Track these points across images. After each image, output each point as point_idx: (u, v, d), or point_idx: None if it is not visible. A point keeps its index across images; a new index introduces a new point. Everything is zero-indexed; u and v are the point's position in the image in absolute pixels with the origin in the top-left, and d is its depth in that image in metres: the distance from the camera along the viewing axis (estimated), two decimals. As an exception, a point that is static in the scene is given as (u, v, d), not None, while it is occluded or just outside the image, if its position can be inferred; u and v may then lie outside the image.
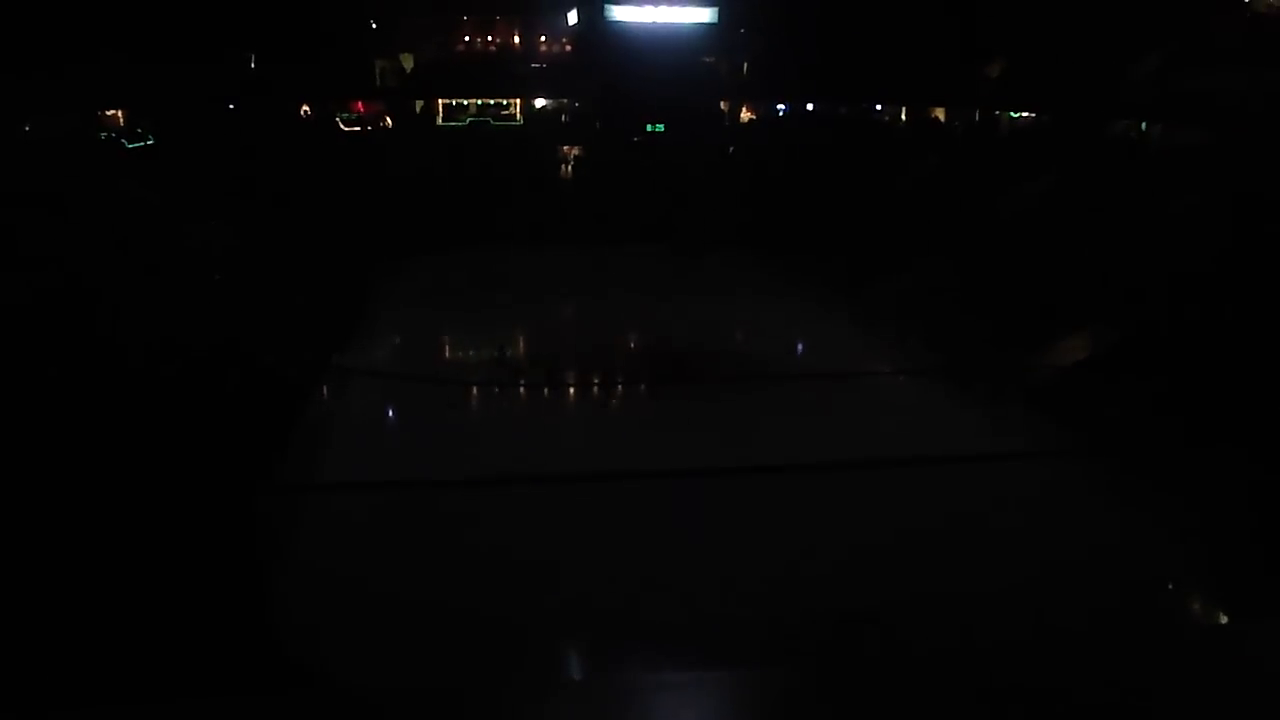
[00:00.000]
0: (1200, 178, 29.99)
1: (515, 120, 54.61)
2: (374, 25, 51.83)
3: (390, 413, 26.30)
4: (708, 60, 53.81)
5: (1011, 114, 46.99)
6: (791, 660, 12.50)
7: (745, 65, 55.79)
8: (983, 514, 18.90)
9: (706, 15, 51.52)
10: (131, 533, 14.32)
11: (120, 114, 40.14)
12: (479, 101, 54.22)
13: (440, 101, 53.56)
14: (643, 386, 28.00)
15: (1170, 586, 17.02)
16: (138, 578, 13.46)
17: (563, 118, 55.29)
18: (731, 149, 48.97)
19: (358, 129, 51.67)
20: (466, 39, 56.51)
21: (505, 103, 54.59)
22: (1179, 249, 26.36)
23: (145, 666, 11.38)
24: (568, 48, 56.69)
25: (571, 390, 28.37)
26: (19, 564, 12.61)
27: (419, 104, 53.17)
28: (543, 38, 56.94)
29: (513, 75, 54.15)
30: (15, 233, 21.95)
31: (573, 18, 54.72)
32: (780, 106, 55.90)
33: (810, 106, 54.88)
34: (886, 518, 18.63)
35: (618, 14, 51.14)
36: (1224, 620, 16.18)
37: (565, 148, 53.54)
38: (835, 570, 16.55)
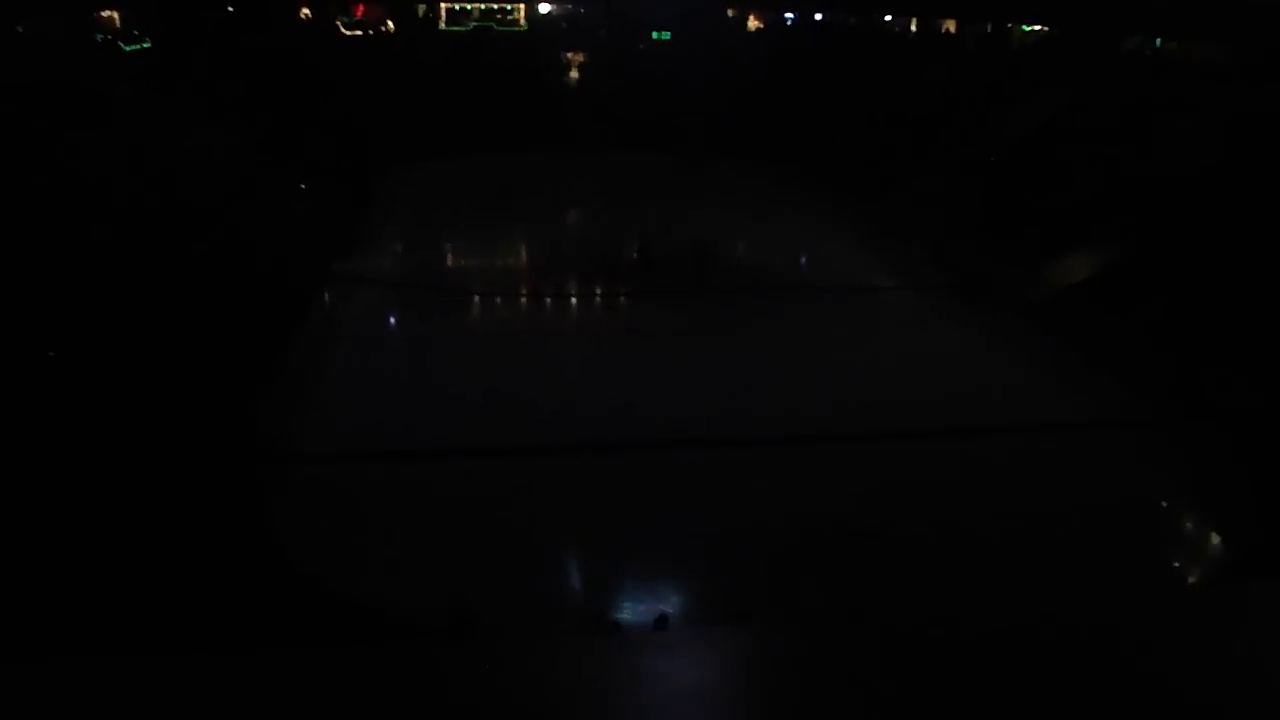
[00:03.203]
0: (1215, 94, 29.46)
1: (519, 26, 53.47)
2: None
3: (391, 320, 26.57)
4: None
5: (1024, 27, 45.88)
6: (795, 618, 12.35)
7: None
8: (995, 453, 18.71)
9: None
10: (128, 437, 14.57)
11: (115, 15, 39.31)
12: (483, 6, 53.04)
13: (443, 5, 52.37)
14: (641, 300, 28.09)
15: (1168, 544, 16.52)
16: (135, 485, 13.74)
17: (565, 24, 54.10)
18: (743, 62, 47.71)
19: (359, 33, 50.64)
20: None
21: (509, 7, 53.40)
22: (1191, 166, 25.99)
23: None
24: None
25: (558, 301, 28.61)
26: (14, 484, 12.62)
27: (421, 8, 52.02)
28: (548, -60, 55.31)
29: (517, -22, 52.78)
30: (11, 132, 21.83)
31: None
32: (788, 15, 54.50)
33: (819, 16, 53.44)
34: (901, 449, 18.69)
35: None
36: (1220, 578, 15.35)
37: (570, 55, 52.56)
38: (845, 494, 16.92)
